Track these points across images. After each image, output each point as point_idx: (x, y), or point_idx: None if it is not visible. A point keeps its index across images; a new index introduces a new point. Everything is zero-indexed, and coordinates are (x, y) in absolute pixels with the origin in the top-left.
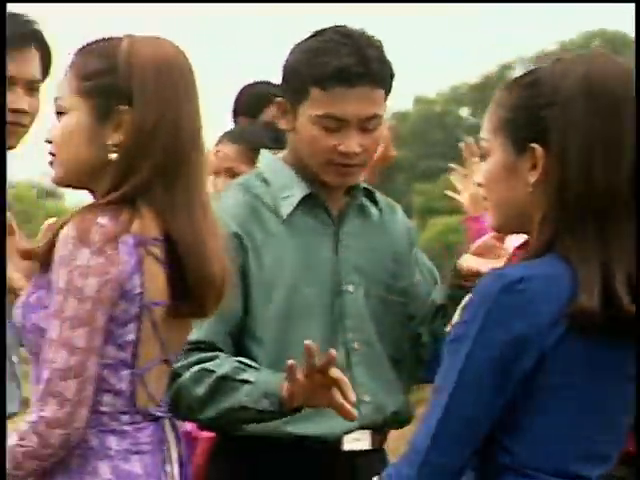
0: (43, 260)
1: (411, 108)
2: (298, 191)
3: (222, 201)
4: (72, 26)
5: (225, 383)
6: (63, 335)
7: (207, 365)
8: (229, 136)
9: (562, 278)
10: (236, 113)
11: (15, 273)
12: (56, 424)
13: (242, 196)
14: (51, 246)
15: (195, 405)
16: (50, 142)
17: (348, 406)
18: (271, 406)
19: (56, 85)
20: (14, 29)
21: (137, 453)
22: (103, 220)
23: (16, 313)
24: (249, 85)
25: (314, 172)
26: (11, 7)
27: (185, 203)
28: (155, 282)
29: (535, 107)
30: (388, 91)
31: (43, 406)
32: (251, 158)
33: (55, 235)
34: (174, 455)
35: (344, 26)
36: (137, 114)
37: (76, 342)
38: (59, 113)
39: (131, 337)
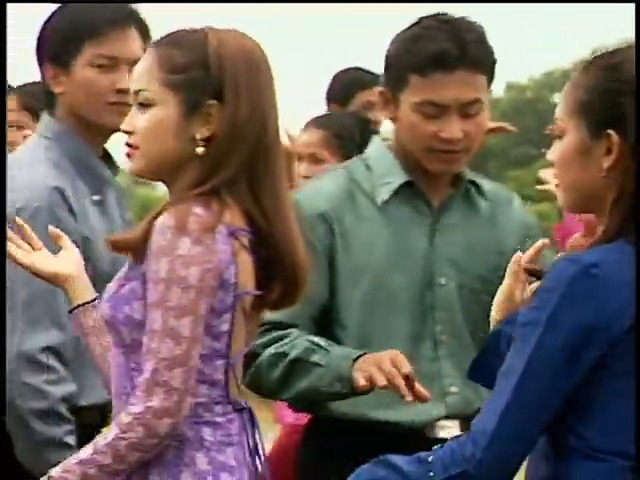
0: (138, 251)
1: (502, 94)
2: (397, 179)
3: (320, 182)
4: None
5: (298, 365)
6: (168, 325)
7: (281, 347)
8: (314, 122)
9: (632, 264)
10: (328, 100)
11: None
12: (164, 413)
13: (341, 179)
14: (146, 237)
15: (273, 388)
16: (129, 133)
17: (422, 390)
18: (343, 389)
19: (135, 77)
20: (114, 11)
21: (229, 445)
22: (199, 210)
23: (105, 305)
24: (341, 72)
25: (416, 160)
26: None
27: (271, 194)
28: (245, 272)
29: (613, 91)
30: (490, 76)
31: (149, 396)
32: (335, 144)
33: (149, 226)
34: (252, 444)
35: (444, 13)
36: (229, 109)
37: (181, 331)
38: (142, 105)
39: (226, 327)
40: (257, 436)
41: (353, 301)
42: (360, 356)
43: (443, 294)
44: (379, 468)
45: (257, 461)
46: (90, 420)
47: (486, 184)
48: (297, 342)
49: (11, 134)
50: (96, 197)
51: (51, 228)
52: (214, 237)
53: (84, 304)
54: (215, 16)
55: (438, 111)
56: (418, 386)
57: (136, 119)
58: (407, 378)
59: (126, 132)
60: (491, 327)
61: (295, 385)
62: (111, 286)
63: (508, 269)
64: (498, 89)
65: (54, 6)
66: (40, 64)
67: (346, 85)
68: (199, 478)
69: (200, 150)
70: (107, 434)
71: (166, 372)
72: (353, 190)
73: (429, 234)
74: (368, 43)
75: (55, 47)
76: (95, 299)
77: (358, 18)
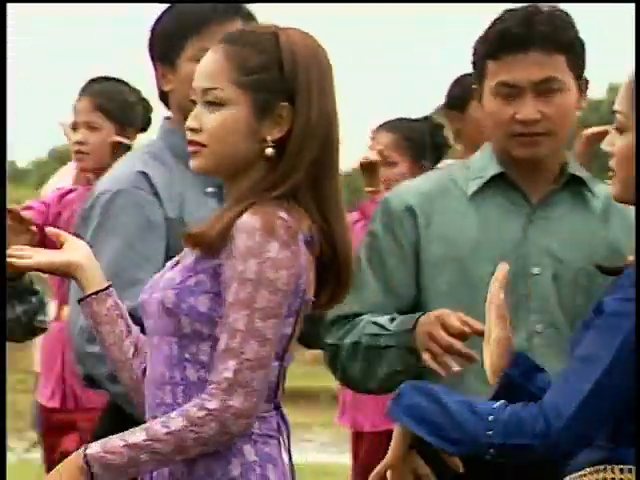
0: (214, 246)
1: (605, 96)
2: (490, 171)
3: (416, 180)
4: (76, 28)
5: (371, 353)
6: (254, 326)
7: (354, 337)
8: (386, 125)
9: None
10: (446, 106)
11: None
12: (242, 414)
13: (439, 176)
14: (225, 234)
15: (358, 381)
16: (194, 130)
17: (478, 325)
18: (418, 361)
19: (203, 75)
20: (217, 5)
21: (273, 437)
22: (284, 215)
23: (169, 292)
24: (460, 77)
25: (506, 151)
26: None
27: (332, 194)
28: (310, 278)
29: None
30: (572, 57)
31: (229, 396)
32: (404, 146)
33: (230, 224)
34: (282, 442)
35: (529, 5)
36: (301, 110)
37: (267, 333)
38: (211, 103)
39: (288, 331)
40: (285, 436)
41: (439, 291)
42: (416, 322)
43: (537, 284)
44: (422, 398)
45: (286, 459)
46: None
47: (601, 185)
48: (366, 329)
49: (82, 134)
50: (210, 189)
51: (48, 228)
52: (298, 243)
53: (97, 292)
54: None
55: (512, 92)
56: (472, 325)
57: (203, 117)
58: (464, 334)
59: (191, 129)
60: (488, 377)
61: (376, 373)
62: (169, 274)
63: (492, 313)
64: (601, 91)
65: (54, 6)
66: (154, 66)
67: (460, 92)
68: (247, 469)
69: (269, 151)
70: (166, 422)
71: (249, 373)
72: (448, 186)
73: (524, 225)
74: (368, 43)
75: (162, 46)
76: (108, 287)
77: (358, 18)
